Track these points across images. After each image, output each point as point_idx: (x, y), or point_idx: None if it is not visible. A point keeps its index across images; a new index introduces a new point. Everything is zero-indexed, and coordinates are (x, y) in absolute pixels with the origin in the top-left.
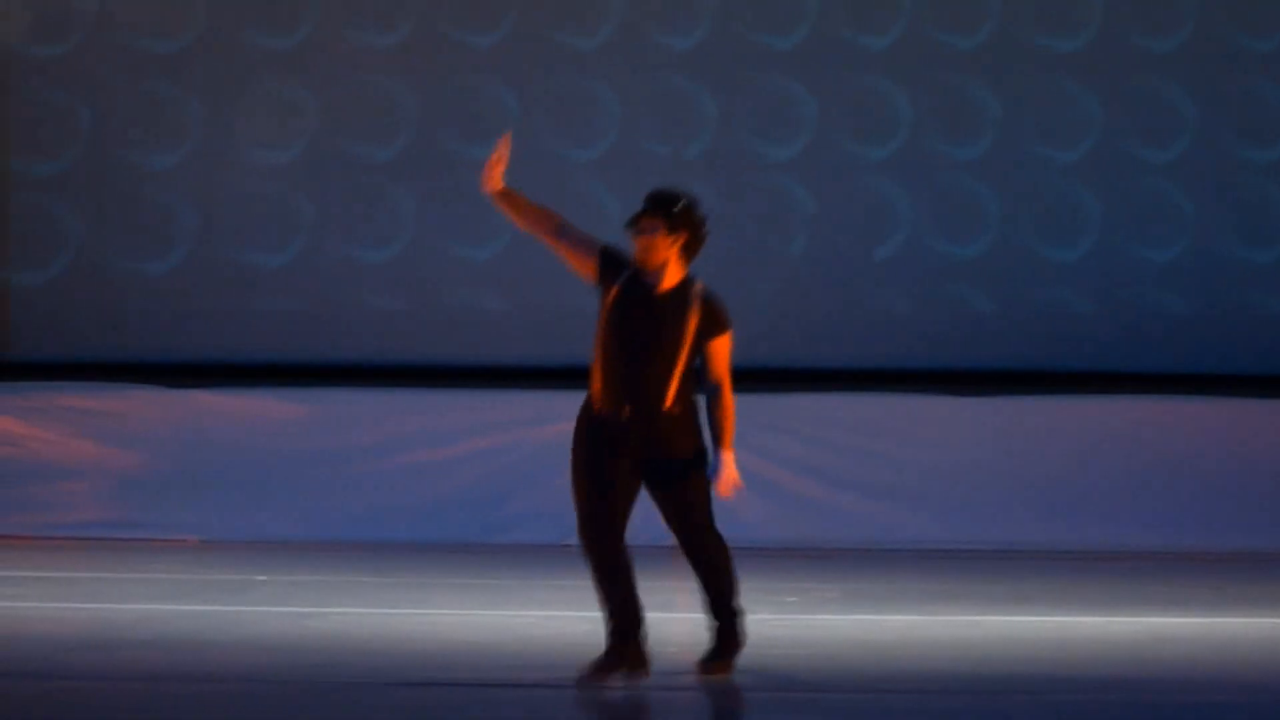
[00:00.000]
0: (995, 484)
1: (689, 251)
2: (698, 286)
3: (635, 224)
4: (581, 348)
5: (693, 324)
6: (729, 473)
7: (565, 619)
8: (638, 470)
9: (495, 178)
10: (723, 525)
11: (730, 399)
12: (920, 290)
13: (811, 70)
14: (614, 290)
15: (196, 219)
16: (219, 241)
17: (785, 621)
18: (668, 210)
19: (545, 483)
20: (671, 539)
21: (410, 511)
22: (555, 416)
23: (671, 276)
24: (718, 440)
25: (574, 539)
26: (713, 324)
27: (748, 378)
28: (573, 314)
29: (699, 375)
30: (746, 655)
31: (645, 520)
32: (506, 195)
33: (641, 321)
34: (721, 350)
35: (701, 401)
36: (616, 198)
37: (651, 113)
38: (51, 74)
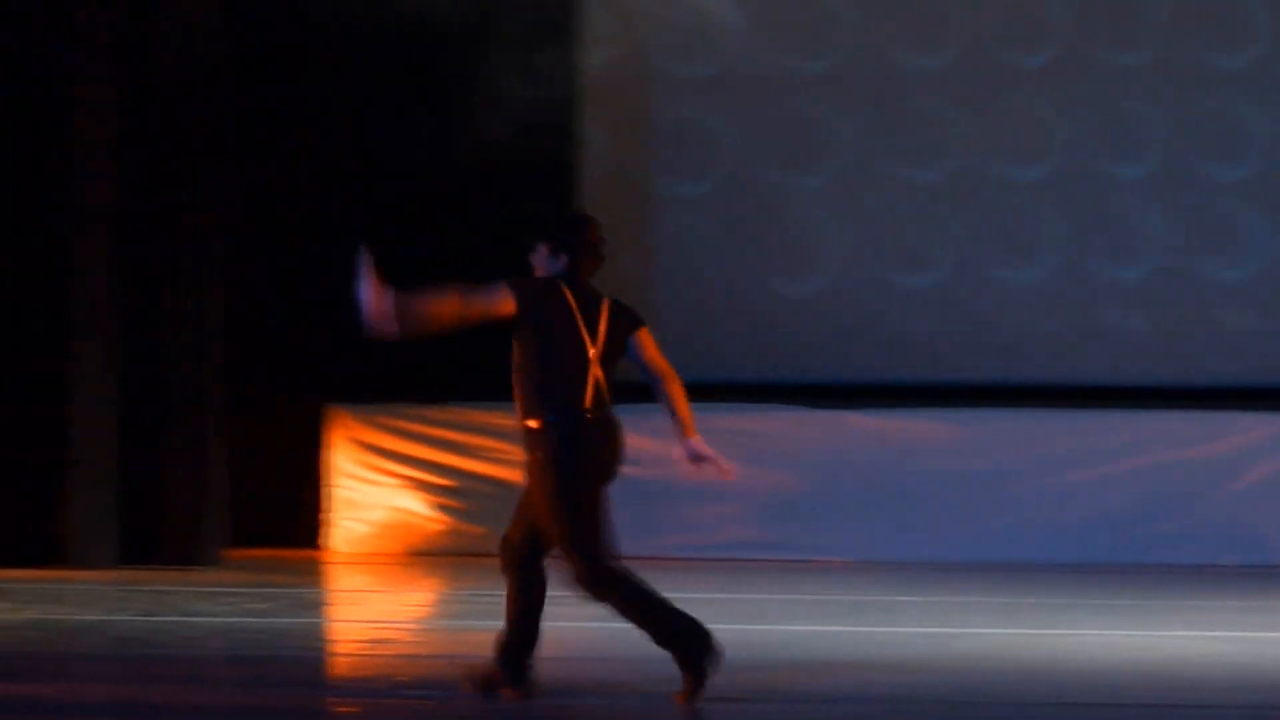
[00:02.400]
0: None
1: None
2: None
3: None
4: (1217, 370)
5: None
6: None
7: (1215, 639)
8: None
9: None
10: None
11: None
12: None
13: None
14: None
15: (845, 239)
16: (867, 262)
17: None
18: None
19: (1190, 504)
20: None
21: (1058, 532)
22: (1203, 437)
23: None
24: None
25: (1223, 559)
26: None
27: None
28: (1213, 335)
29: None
30: None
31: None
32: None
33: None
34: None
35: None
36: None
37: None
38: (697, 94)
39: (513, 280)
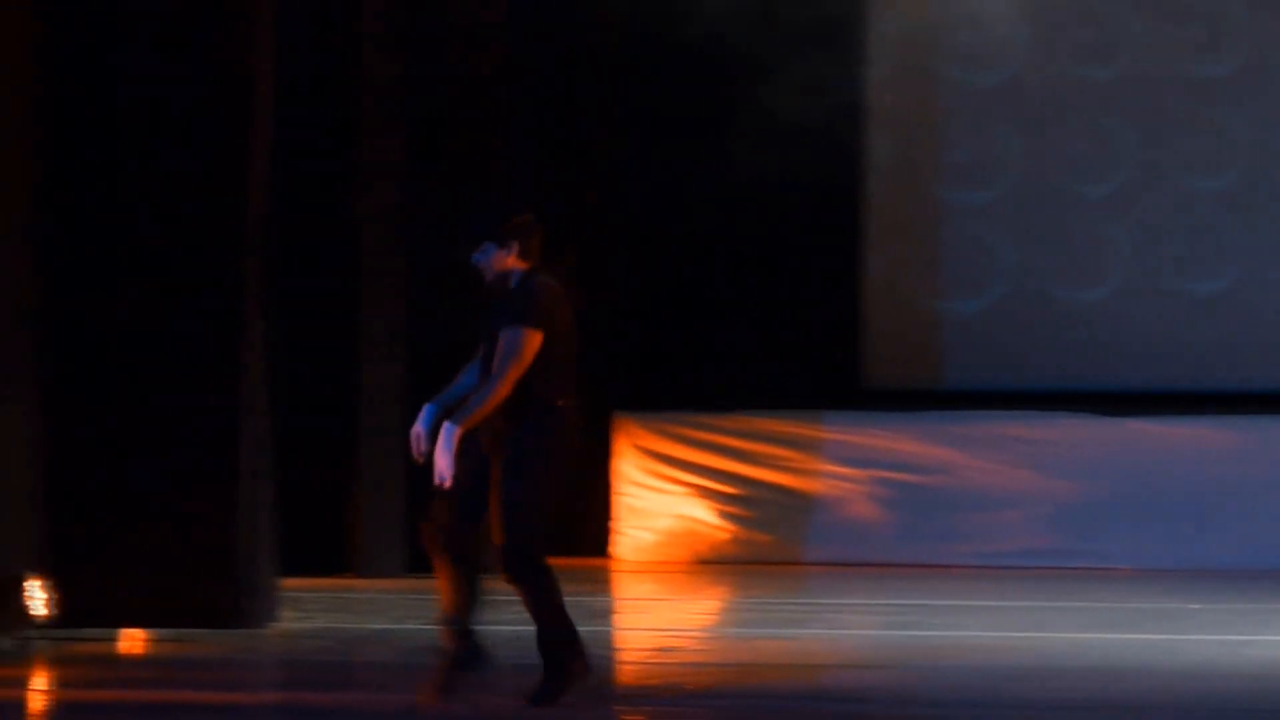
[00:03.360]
0: None
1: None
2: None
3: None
4: None
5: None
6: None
7: None
8: None
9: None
10: None
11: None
12: None
13: None
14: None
15: (1129, 247)
16: (1156, 268)
17: None
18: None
19: None
20: None
21: None
22: None
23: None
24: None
25: None
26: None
27: None
28: None
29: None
30: None
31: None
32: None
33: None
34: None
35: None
36: None
37: None
38: (986, 104)
39: (536, 315)
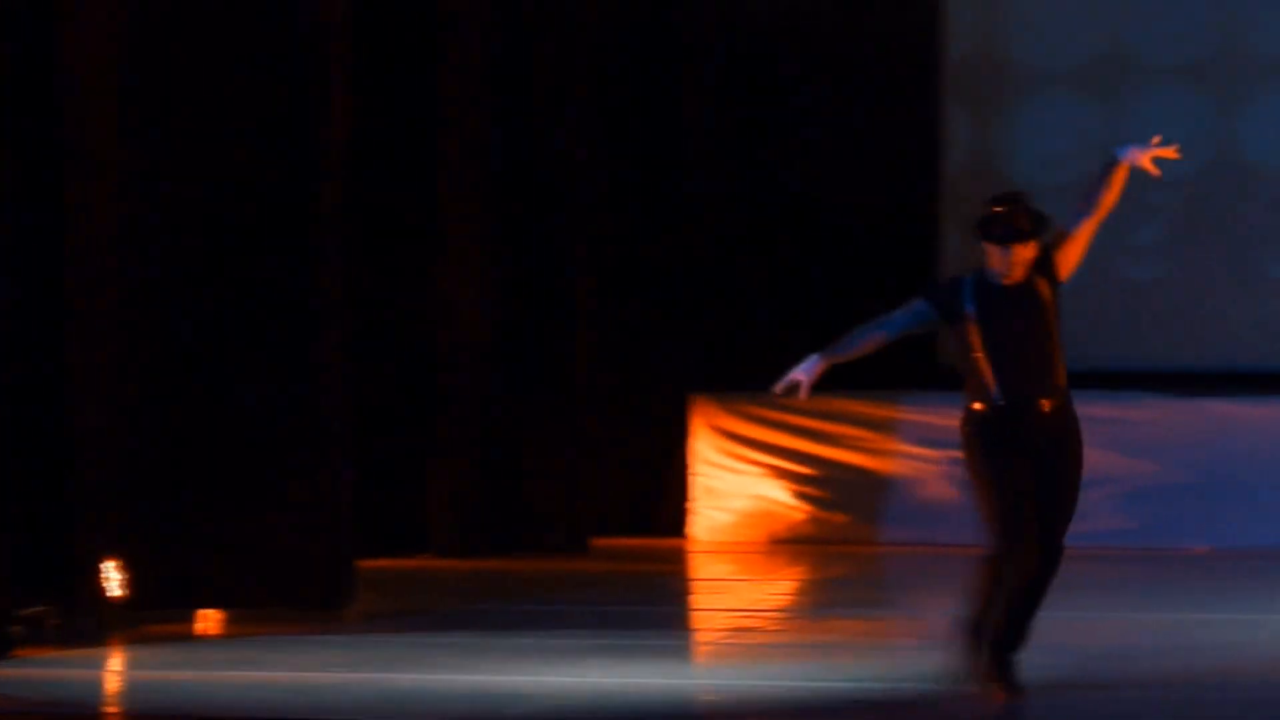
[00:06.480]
0: None
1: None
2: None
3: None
4: None
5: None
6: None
7: None
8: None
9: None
10: None
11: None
12: None
13: None
14: (971, 308)
15: (1203, 228)
16: (1235, 250)
17: None
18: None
19: None
20: None
21: None
22: None
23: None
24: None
25: None
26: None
27: None
28: None
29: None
30: None
31: None
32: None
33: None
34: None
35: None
36: None
37: None
38: (1055, 87)
39: (933, 291)
